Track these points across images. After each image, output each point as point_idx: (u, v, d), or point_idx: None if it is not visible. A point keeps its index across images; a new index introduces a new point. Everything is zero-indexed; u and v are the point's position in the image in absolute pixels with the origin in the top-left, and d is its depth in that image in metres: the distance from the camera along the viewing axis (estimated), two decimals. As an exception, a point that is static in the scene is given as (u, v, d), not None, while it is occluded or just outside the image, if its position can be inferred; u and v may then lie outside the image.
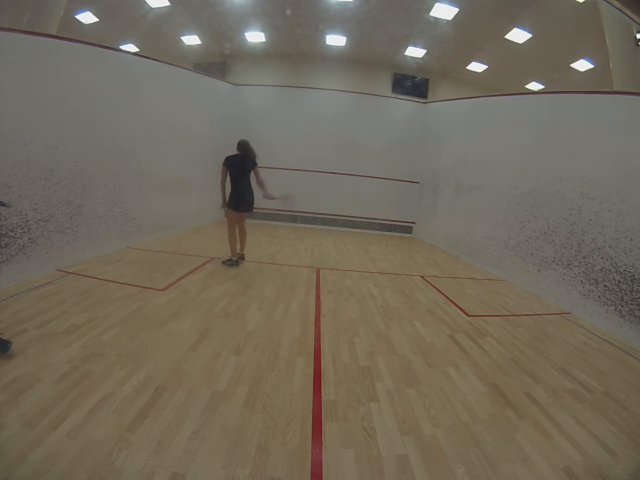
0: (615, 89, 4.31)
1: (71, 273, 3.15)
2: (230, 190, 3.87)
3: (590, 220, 3.43)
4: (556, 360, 2.36)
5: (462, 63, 7.41)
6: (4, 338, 1.76)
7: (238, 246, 4.07)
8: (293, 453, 1.34)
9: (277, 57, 7.76)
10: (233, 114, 7.51)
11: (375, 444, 1.42)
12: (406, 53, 7.28)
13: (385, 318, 2.86)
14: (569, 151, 3.81)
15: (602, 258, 3.24)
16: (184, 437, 1.36)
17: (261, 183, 3.93)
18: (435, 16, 5.72)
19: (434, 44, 6.77)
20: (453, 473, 1.30)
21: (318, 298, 3.19)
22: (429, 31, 6.19)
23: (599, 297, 3.22)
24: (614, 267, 3.11)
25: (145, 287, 2.98)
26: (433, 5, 5.48)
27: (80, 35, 3.73)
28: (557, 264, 3.78)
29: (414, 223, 8.23)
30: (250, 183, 3.89)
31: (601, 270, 3.24)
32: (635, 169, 3.01)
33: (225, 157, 3.80)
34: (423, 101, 8.01)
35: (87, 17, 5.94)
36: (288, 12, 6.01)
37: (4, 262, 2.74)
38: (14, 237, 2.85)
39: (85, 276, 3.14)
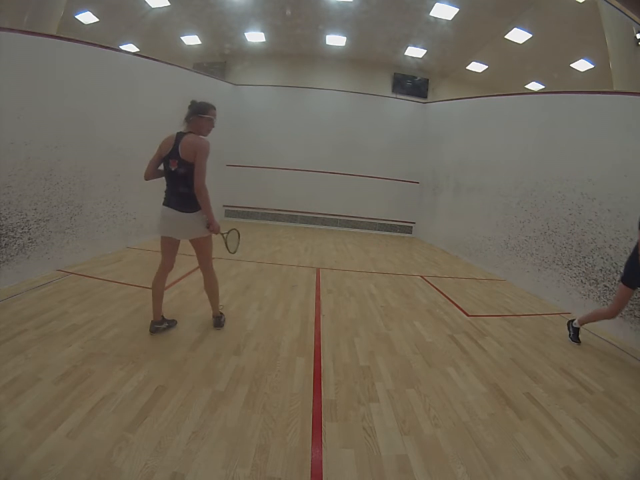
0: (615, 89, 4.31)
1: (71, 273, 3.15)
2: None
3: (590, 220, 3.42)
4: (556, 360, 2.36)
5: (462, 63, 7.41)
6: None
7: None
8: (293, 453, 1.34)
9: (277, 57, 7.76)
10: (233, 114, 7.50)
11: (375, 444, 1.42)
12: (406, 53, 7.28)
13: (385, 318, 2.86)
14: (569, 151, 3.81)
15: (602, 258, 3.24)
16: (184, 437, 1.36)
17: None
18: (435, 16, 5.73)
19: (434, 44, 6.77)
20: (453, 473, 1.30)
21: (318, 298, 3.19)
22: (429, 31, 6.19)
23: (599, 297, 3.22)
24: (614, 267, 3.10)
25: (144, 287, 2.97)
26: (433, 5, 5.48)
27: (80, 35, 3.73)
28: (557, 264, 3.78)
29: (414, 223, 8.23)
30: None
31: (601, 270, 3.24)
32: (635, 169, 3.01)
33: None
34: (423, 101, 8.01)
35: (86, 17, 5.94)
36: (288, 12, 6.01)
37: (4, 262, 2.74)
38: (14, 237, 2.85)
39: (85, 276, 3.14)
